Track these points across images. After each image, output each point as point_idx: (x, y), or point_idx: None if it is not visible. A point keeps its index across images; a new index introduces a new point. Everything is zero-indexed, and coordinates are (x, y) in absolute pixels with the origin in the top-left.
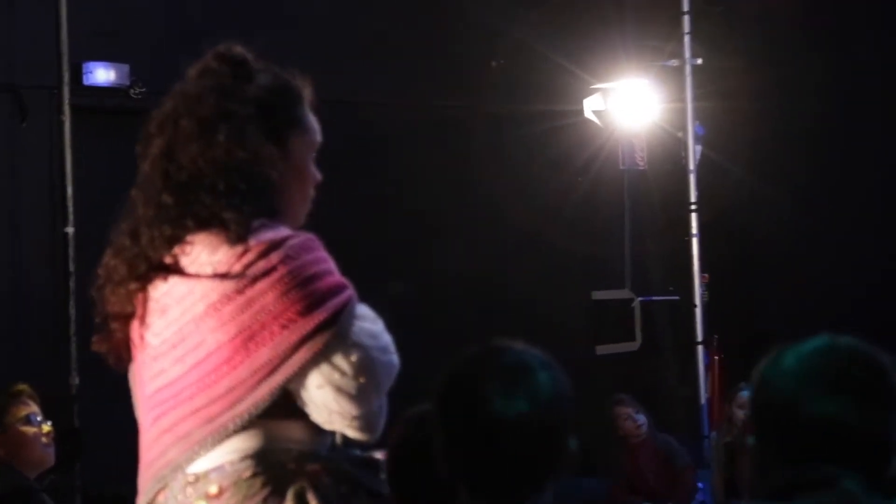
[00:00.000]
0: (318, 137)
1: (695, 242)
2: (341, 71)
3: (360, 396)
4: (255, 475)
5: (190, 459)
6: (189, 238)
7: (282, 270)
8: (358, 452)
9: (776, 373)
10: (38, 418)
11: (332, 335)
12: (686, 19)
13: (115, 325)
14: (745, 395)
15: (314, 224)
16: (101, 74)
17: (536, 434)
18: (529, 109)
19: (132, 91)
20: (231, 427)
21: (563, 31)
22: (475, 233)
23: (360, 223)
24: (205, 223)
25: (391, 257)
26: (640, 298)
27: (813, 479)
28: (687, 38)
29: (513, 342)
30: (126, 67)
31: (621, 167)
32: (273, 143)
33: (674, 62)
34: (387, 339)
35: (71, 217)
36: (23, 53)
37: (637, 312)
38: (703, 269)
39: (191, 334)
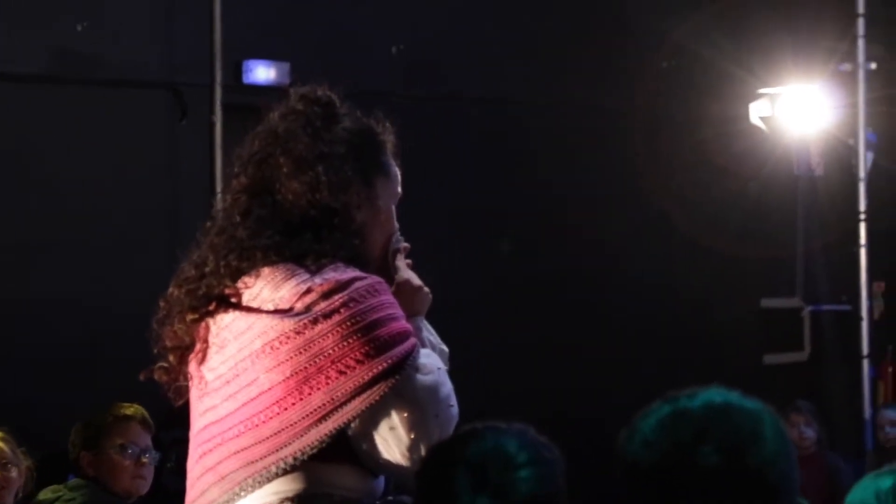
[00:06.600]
0: (399, 188)
1: (863, 253)
2: (503, 70)
3: (408, 451)
4: None
5: (230, 501)
6: (254, 273)
7: (344, 314)
8: (409, 501)
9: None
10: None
11: (390, 387)
12: (861, 21)
13: (172, 358)
14: (889, 413)
15: (466, 225)
16: (262, 73)
17: None
18: (696, 113)
19: (292, 90)
20: (274, 470)
21: (731, 33)
22: (641, 239)
23: (523, 225)
24: (273, 259)
25: (548, 262)
26: (809, 308)
27: None
28: (861, 42)
29: (508, 424)
30: (287, 66)
31: (795, 172)
32: (361, 185)
33: (846, 66)
34: (446, 390)
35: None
36: (185, 51)
37: (807, 322)
38: (878, 279)
39: (245, 371)
